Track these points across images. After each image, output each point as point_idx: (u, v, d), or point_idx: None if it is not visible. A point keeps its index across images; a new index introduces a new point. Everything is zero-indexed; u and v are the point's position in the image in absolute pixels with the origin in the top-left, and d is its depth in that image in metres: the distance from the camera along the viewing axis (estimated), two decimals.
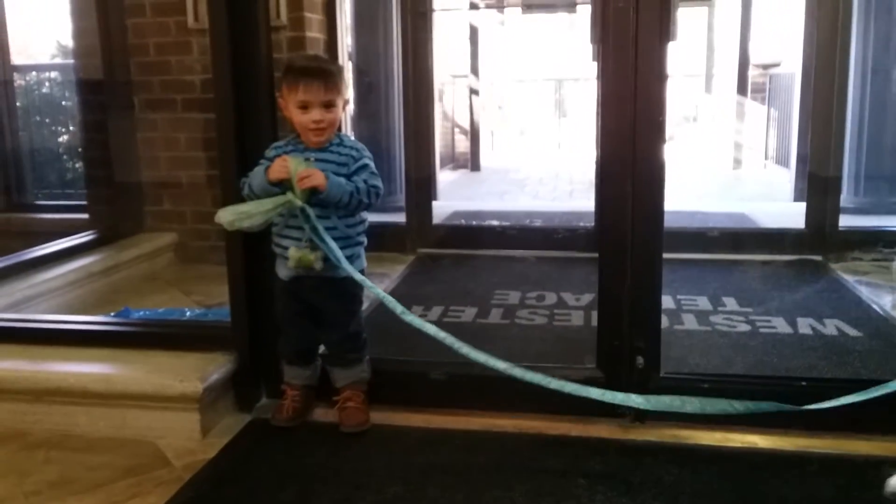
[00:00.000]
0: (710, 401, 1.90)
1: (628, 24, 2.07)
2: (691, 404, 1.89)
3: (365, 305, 2.65)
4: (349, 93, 4.51)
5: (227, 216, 2.12)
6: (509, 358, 2.56)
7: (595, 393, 1.97)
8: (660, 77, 2.10)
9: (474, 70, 8.74)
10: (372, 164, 2.25)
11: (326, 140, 2.20)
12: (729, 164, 8.21)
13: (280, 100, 2.22)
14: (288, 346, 2.34)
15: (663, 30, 2.06)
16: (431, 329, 2.04)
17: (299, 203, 2.08)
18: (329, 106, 2.16)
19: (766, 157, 7.55)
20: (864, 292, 3.30)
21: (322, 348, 2.39)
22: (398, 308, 2.07)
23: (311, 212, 2.09)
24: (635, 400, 1.96)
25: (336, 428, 2.24)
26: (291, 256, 2.13)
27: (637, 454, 2.07)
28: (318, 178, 2.08)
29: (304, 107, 2.14)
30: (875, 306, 3.10)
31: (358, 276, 2.12)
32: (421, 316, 3.08)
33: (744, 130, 8.14)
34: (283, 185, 2.10)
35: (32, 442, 2.29)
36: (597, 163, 2.26)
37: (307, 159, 2.15)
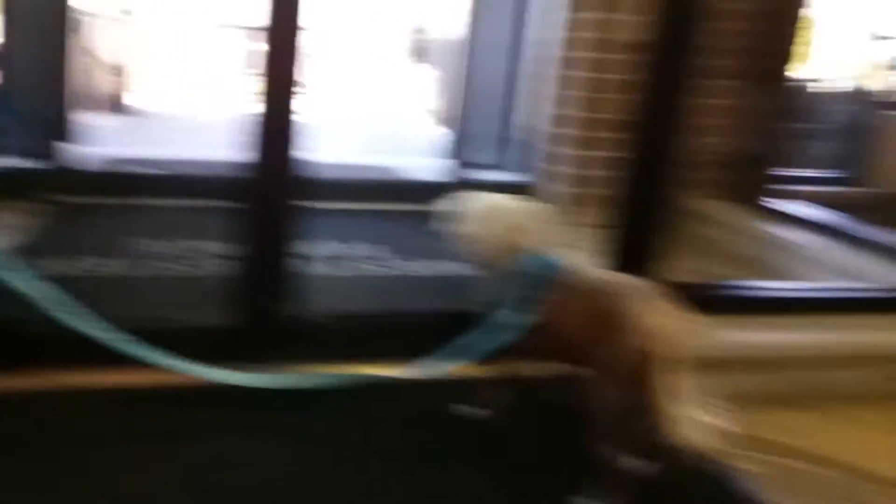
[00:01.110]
0: (306, 375, 1.99)
1: None
2: (310, 379, 1.98)
3: None
4: None
5: None
6: (146, 309, 2.49)
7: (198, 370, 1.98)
8: (295, 25, 2.13)
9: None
10: None
11: None
12: (391, 120, 8.61)
13: None
14: None
15: None
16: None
17: None
18: None
19: (427, 116, 8.06)
20: None
21: None
22: None
23: None
24: (237, 378, 1.98)
25: None
26: None
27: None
28: None
29: None
30: None
31: None
32: (57, 269, 2.81)
33: (407, 90, 8.59)
34: None
35: None
36: (249, 113, 2.22)
37: None
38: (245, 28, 10.20)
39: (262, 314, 2.27)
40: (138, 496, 1.68)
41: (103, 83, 8.13)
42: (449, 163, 4.34)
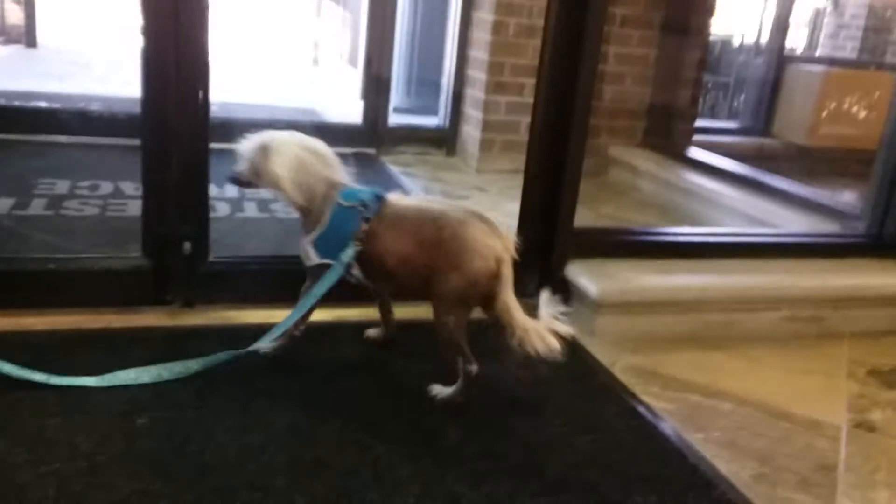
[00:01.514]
0: (167, 366, 1.87)
1: None
2: (147, 374, 1.85)
3: None
4: None
5: None
6: (52, 250, 2.38)
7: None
8: None
9: None
10: None
11: None
12: (307, 62, 8.39)
13: None
14: None
15: None
16: None
17: None
18: None
19: (340, 57, 7.87)
20: (405, 181, 3.73)
21: None
22: None
23: None
24: (88, 381, 1.81)
25: None
26: None
27: (184, 338, 2.07)
28: None
29: None
30: (414, 192, 3.49)
31: None
32: None
33: (322, 30, 8.35)
34: None
35: None
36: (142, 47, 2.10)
37: None
38: None
39: (170, 255, 2.20)
40: None
41: (8, 13, 7.62)
42: (363, 105, 4.27)
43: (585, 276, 2.44)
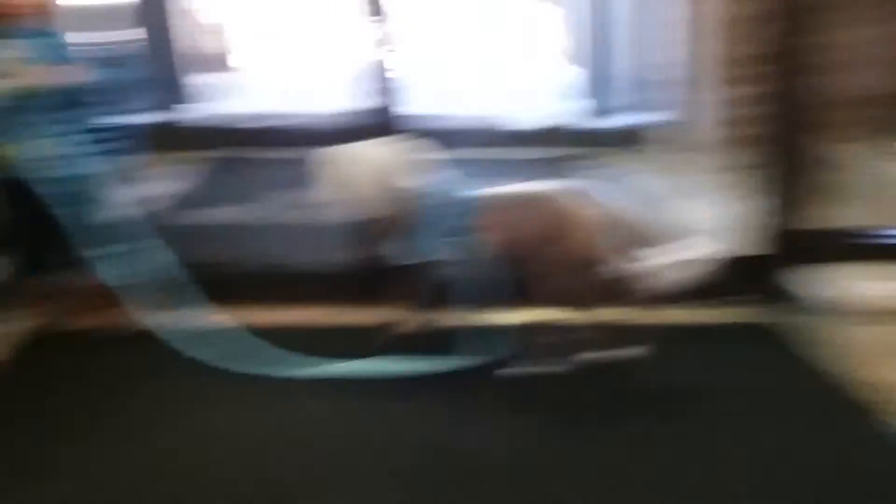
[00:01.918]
0: (409, 362, 1.98)
1: None
2: (393, 365, 1.99)
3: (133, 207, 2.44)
4: None
5: None
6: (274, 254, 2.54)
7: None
8: None
9: None
10: (108, 62, 2.15)
11: (28, 24, 1.99)
12: (524, 63, 8.33)
13: None
14: (31, 254, 2.20)
15: None
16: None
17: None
18: None
19: (560, 58, 7.76)
20: (625, 182, 3.52)
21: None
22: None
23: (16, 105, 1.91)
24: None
25: (91, 333, 2.17)
26: None
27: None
28: (70, 73, 1.95)
29: None
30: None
31: (52, 190, 1.98)
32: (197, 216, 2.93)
33: (540, 32, 8.26)
34: None
35: None
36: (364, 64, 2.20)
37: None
38: None
39: (376, 259, 2.28)
40: None
41: (207, 44, 8.31)
42: (580, 106, 4.17)
43: (809, 281, 2.27)
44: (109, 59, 2.12)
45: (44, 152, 1.96)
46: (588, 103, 4.17)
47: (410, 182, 1.99)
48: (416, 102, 2.30)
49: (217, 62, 8.24)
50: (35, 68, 1.92)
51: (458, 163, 2.03)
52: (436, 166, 2.04)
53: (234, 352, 2.00)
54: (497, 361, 2.01)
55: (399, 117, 2.28)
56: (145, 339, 2.06)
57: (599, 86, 4.11)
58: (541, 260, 1.89)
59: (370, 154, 2.01)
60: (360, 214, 2.02)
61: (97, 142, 2.11)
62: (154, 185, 3.33)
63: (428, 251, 1.98)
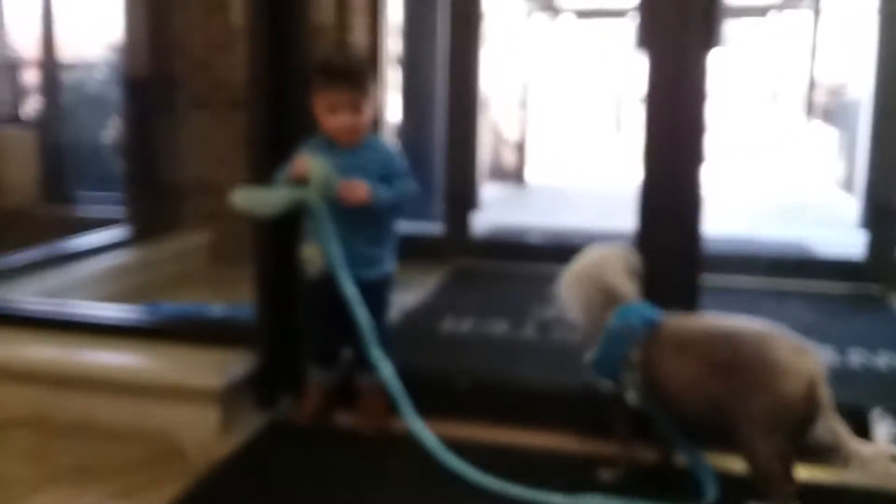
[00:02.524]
0: (634, 502, 1.81)
1: (671, 30, 2.00)
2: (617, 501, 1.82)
3: (395, 313, 2.60)
4: (389, 96, 4.51)
5: (241, 198, 2.10)
6: (541, 370, 2.53)
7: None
8: (701, 87, 2.02)
9: (525, 80, 8.69)
10: (405, 169, 2.23)
11: (357, 140, 2.18)
12: (793, 188, 7.94)
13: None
14: (313, 346, 2.32)
15: (707, 37, 1.98)
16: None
17: (314, 202, 2.06)
18: (356, 107, 2.13)
19: (832, 183, 7.30)
20: None
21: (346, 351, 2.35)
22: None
23: (322, 211, 2.07)
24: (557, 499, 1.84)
25: (356, 432, 2.22)
26: (302, 253, 2.16)
27: (669, 476, 1.99)
28: (360, 192, 2.07)
29: (332, 108, 2.12)
30: None
31: (350, 290, 2.06)
32: (452, 327, 3.04)
33: (810, 154, 7.89)
34: (304, 183, 2.08)
35: (56, 428, 2.30)
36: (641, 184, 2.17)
37: (338, 158, 2.13)
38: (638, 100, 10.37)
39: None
40: None
41: (506, 158, 8.89)
42: (866, 236, 3.77)
43: None
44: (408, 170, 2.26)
45: (344, 254, 2.10)
46: (871, 235, 3.73)
47: (626, 292, 1.88)
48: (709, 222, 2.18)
49: (514, 175, 8.77)
50: (351, 183, 2.08)
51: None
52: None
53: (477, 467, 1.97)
54: None
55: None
56: (406, 444, 2.06)
57: (884, 215, 3.66)
58: (738, 410, 1.64)
59: (606, 256, 1.95)
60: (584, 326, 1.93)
61: (390, 246, 2.26)
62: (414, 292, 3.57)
63: (604, 374, 1.85)
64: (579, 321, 1.93)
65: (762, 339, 1.65)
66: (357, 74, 2.14)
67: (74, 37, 5.76)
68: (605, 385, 1.87)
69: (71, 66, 5.56)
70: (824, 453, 1.62)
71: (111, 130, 5.48)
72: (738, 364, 1.64)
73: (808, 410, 1.59)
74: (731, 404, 1.64)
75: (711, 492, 1.82)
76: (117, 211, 4.11)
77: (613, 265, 1.92)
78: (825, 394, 1.59)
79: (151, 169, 3.97)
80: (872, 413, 1.65)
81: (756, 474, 1.65)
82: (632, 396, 1.82)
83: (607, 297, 1.88)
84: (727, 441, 1.72)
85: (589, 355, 1.89)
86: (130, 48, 3.99)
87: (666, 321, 1.81)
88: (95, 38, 6.00)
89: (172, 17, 3.82)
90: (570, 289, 1.92)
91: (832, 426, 1.57)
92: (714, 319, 1.84)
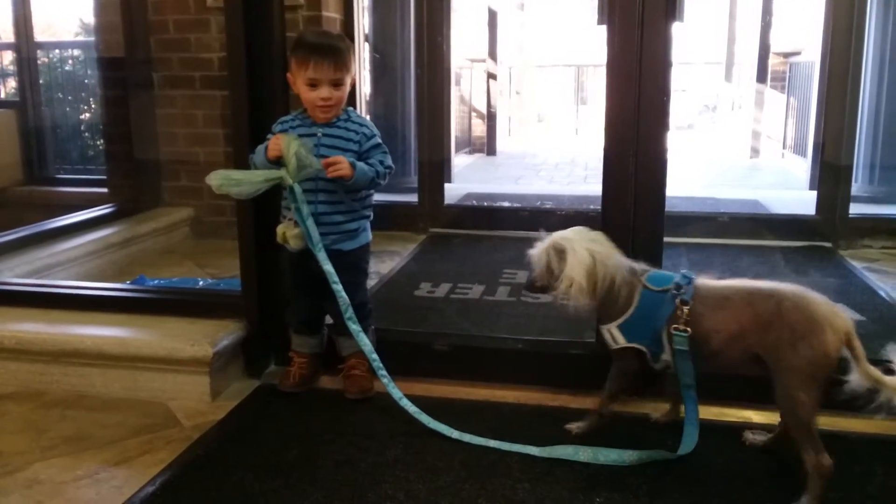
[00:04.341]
0: (602, 450, 1.93)
1: (634, 4, 2.10)
2: (584, 453, 1.93)
3: (374, 281, 2.69)
4: (362, 72, 4.56)
5: (217, 179, 2.11)
6: (513, 333, 2.65)
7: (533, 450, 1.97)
8: (664, 58, 2.13)
9: (492, 54, 8.75)
10: (382, 143, 2.30)
11: (333, 116, 2.25)
12: (747, 152, 8.18)
13: (289, 75, 2.25)
14: (296, 315, 2.41)
15: (669, 10, 2.08)
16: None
17: (290, 181, 2.11)
18: (337, 84, 2.20)
19: (784, 147, 7.52)
20: (871, 278, 3.32)
21: (328, 318, 2.44)
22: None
23: (298, 192, 2.12)
24: (531, 449, 1.97)
25: (340, 395, 2.31)
26: (277, 231, 2.21)
27: (633, 426, 2.12)
28: (344, 168, 2.13)
29: (313, 84, 2.18)
30: (882, 292, 3.11)
31: (327, 268, 2.16)
32: (429, 292, 3.16)
33: (763, 119, 8.10)
34: (281, 162, 2.12)
35: (50, 401, 2.38)
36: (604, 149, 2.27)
37: (314, 134, 2.21)
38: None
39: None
40: None
41: (475, 128, 8.96)
42: (816, 195, 3.96)
43: None
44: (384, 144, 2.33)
45: (323, 228, 2.19)
46: (820, 194, 3.92)
47: (619, 265, 1.94)
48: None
49: (478, 145, 8.86)
50: (333, 159, 2.13)
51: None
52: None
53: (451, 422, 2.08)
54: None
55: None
56: (389, 405, 2.18)
57: (833, 175, 3.84)
58: (780, 362, 1.73)
59: (596, 237, 1.98)
60: (576, 298, 2.01)
61: (367, 217, 2.34)
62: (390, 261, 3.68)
63: (633, 334, 1.92)
64: (584, 301, 1.93)
65: (802, 295, 1.74)
66: (339, 50, 2.18)
67: (50, 18, 5.73)
68: (632, 348, 1.92)
69: (48, 47, 5.50)
70: (860, 406, 1.67)
71: (89, 110, 5.46)
72: (781, 319, 1.72)
73: (839, 362, 1.70)
74: (775, 357, 1.73)
75: (688, 445, 1.91)
76: (98, 190, 4.17)
77: (606, 243, 1.97)
78: (859, 345, 1.69)
79: (130, 147, 4.00)
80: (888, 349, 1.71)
81: (796, 423, 1.73)
82: (666, 357, 1.90)
83: (620, 272, 1.93)
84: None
85: (613, 324, 1.94)
86: (105, 28, 4.01)
87: (698, 283, 1.89)
88: (71, 18, 5.99)
89: None
90: (580, 275, 1.90)
91: (870, 372, 1.66)
92: (742, 281, 1.91)
